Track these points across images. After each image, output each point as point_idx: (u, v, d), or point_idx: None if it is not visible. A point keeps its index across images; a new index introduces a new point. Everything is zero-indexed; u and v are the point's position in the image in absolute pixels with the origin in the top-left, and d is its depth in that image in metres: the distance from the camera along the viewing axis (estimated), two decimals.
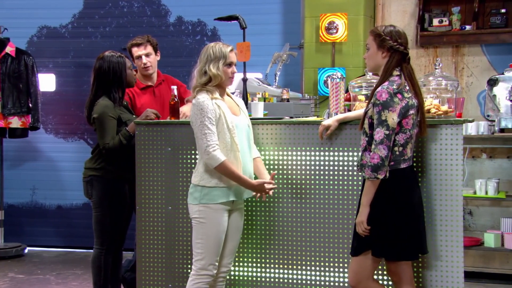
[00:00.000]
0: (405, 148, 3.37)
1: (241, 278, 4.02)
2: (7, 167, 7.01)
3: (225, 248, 3.73)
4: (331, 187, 3.83)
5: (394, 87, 3.34)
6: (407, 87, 3.39)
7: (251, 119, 3.97)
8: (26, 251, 6.78)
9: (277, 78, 5.68)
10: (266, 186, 3.66)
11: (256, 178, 3.77)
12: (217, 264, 3.68)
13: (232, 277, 4.02)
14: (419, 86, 3.48)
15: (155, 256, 4.12)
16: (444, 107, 3.80)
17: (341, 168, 3.82)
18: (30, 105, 6.51)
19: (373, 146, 3.31)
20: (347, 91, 4.16)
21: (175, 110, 4.15)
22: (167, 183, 4.08)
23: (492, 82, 5.74)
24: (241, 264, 4.01)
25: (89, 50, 6.75)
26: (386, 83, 3.38)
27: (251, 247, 3.98)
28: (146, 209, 4.13)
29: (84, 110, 4.38)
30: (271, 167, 3.93)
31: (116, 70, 4.30)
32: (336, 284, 3.84)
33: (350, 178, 3.80)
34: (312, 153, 3.86)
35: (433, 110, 3.74)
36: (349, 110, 3.97)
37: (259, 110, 4.16)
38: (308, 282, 3.89)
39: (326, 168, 3.84)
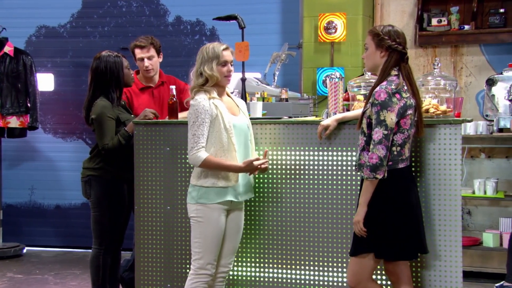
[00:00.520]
0: (403, 148, 3.37)
1: (240, 278, 4.01)
2: (6, 167, 7.01)
3: (224, 248, 3.73)
4: (329, 186, 3.83)
5: (393, 87, 3.34)
6: (405, 87, 3.39)
7: (250, 118, 3.97)
8: (24, 251, 6.77)
9: (275, 77, 5.68)
10: (256, 163, 3.63)
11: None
12: (215, 263, 3.68)
13: (232, 277, 4.02)
14: (417, 86, 3.48)
15: (154, 256, 4.12)
16: (443, 107, 3.80)
17: (340, 168, 3.81)
18: (29, 104, 6.50)
19: (371, 146, 3.31)
20: (345, 90, 4.15)
21: (173, 110, 4.14)
22: (165, 183, 4.08)
23: (491, 82, 5.74)
24: (240, 264, 4.01)
25: (87, 50, 6.74)
26: (385, 83, 3.37)
27: (251, 247, 3.98)
28: (144, 209, 4.13)
29: (82, 111, 4.38)
30: (270, 167, 3.92)
31: (113, 70, 4.30)
32: (336, 284, 3.84)
33: (349, 178, 3.80)
34: (311, 153, 3.86)
35: (431, 110, 3.74)
36: (348, 110, 3.97)
37: (257, 110, 4.16)
38: (308, 282, 3.89)
39: (325, 168, 3.84)
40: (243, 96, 4.29)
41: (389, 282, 3.65)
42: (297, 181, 3.89)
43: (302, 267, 3.90)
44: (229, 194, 3.66)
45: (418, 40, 6.06)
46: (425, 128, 3.53)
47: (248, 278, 4.00)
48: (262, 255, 3.97)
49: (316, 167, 3.85)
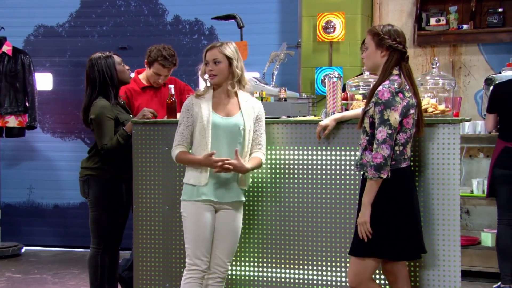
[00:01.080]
0: (405, 147, 3.37)
1: (240, 278, 4.01)
2: (4, 167, 7.00)
3: (218, 247, 3.74)
4: (328, 186, 3.83)
5: (396, 86, 3.34)
6: (407, 86, 3.38)
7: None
8: (23, 250, 6.76)
9: (274, 77, 5.66)
10: (214, 158, 3.62)
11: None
12: (205, 259, 3.70)
13: (232, 277, 4.01)
14: (417, 86, 3.48)
15: (152, 256, 4.12)
16: (441, 107, 3.80)
17: (339, 167, 3.81)
18: (27, 104, 6.49)
19: (375, 146, 3.30)
20: (344, 90, 4.15)
21: (172, 110, 4.14)
22: (164, 183, 4.08)
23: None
24: (240, 264, 4.01)
25: (86, 49, 6.73)
26: (387, 82, 3.36)
27: (250, 247, 3.98)
28: (143, 208, 4.12)
29: (80, 113, 4.37)
30: (269, 167, 3.92)
31: (105, 71, 4.29)
32: (335, 283, 3.84)
33: (348, 177, 3.80)
34: (310, 153, 3.86)
35: (430, 110, 3.73)
36: (347, 109, 3.96)
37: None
38: (308, 282, 3.89)
39: (324, 167, 3.84)
40: None
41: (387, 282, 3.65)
42: (296, 181, 3.89)
43: (302, 267, 3.89)
44: (205, 194, 3.68)
45: (417, 39, 6.06)
46: (424, 128, 3.53)
47: (248, 278, 4.00)
48: (261, 255, 3.96)
49: (315, 167, 3.85)
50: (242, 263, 4.00)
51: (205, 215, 3.69)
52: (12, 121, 6.48)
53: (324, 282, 3.85)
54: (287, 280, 3.92)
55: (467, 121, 3.80)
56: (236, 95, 3.80)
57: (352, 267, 3.45)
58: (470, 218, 6.00)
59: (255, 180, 3.94)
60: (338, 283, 3.83)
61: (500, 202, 5.07)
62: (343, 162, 3.80)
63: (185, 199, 3.74)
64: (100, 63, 4.29)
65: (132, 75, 4.92)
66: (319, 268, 3.86)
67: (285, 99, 4.65)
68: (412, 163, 3.61)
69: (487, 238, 5.58)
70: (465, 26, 5.95)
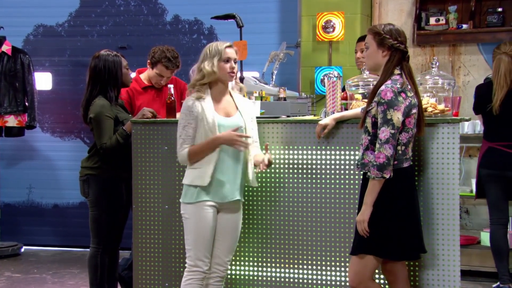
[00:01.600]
0: (407, 147, 3.37)
1: (241, 277, 4.01)
2: (4, 166, 7.00)
3: (218, 247, 3.74)
4: (328, 186, 3.83)
5: (398, 86, 3.33)
6: (409, 86, 3.38)
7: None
8: (22, 250, 6.76)
9: (274, 77, 5.67)
10: (236, 133, 3.61)
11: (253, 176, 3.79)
12: (207, 260, 3.69)
13: (232, 277, 4.01)
14: (417, 85, 3.48)
15: (152, 255, 4.12)
16: (441, 106, 3.80)
17: (338, 167, 3.81)
18: (27, 103, 6.49)
19: (377, 145, 3.30)
20: (343, 89, 4.16)
21: (171, 109, 4.15)
22: (163, 182, 4.08)
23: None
24: (240, 263, 4.01)
25: (85, 49, 6.73)
26: (389, 82, 3.36)
27: (249, 246, 3.98)
28: (142, 208, 4.12)
29: (80, 109, 4.38)
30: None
31: (111, 69, 4.29)
32: (334, 283, 3.84)
33: (348, 177, 3.80)
34: (309, 152, 3.86)
35: (429, 109, 3.73)
36: (346, 109, 3.97)
37: (256, 109, 4.15)
38: (307, 281, 3.89)
39: (324, 167, 3.84)
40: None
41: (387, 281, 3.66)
42: (296, 180, 3.89)
43: (302, 267, 3.90)
44: (208, 194, 3.66)
45: (416, 39, 6.07)
46: (424, 128, 3.53)
47: (247, 277, 4.00)
48: (261, 255, 3.96)
49: (314, 166, 3.85)
50: (243, 263, 4.00)
51: (207, 216, 3.67)
52: (11, 121, 6.48)
53: (324, 282, 3.85)
54: (288, 279, 3.92)
55: (467, 120, 3.80)
56: (230, 95, 3.80)
57: (352, 267, 3.45)
58: (469, 218, 6.01)
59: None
60: (338, 283, 3.83)
61: (489, 202, 5.10)
62: (342, 162, 3.80)
63: (187, 201, 3.69)
64: (108, 60, 4.29)
65: (133, 74, 4.93)
66: (319, 267, 3.86)
67: (285, 99, 4.65)
68: (412, 163, 3.61)
69: (487, 238, 5.57)
70: (464, 26, 5.96)
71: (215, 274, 3.76)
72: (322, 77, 6.05)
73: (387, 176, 3.29)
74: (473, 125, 5.70)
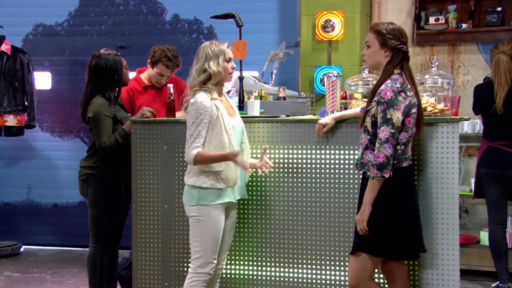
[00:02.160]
0: (406, 146, 3.37)
1: (236, 276, 4.01)
2: (3, 166, 7.00)
3: (220, 246, 3.72)
4: (328, 185, 3.83)
5: (398, 85, 3.33)
6: (409, 86, 3.38)
7: (247, 117, 3.98)
8: (21, 249, 6.76)
9: (273, 76, 5.68)
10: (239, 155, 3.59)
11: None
12: (215, 262, 3.67)
13: (228, 275, 4.01)
14: (417, 85, 3.48)
15: (151, 255, 4.12)
16: (440, 105, 3.80)
17: (338, 166, 3.81)
18: (26, 103, 6.49)
19: (377, 145, 3.30)
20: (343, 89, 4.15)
21: (171, 109, 4.14)
22: (163, 182, 4.08)
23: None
24: (236, 262, 4.01)
25: (85, 48, 6.73)
26: (389, 81, 3.36)
27: (247, 245, 3.98)
28: (142, 207, 4.12)
29: (79, 108, 4.37)
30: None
31: (113, 68, 4.29)
32: (334, 282, 3.84)
33: (347, 176, 3.80)
34: (309, 151, 3.86)
35: (429, 109, 3.74)
36: (346, 108, 3.97)
37: (255, 108, 4.15)
38: (304, 280, 3.89)
39: (323, 166, 3.84)
40: (241, 95, 4.29)
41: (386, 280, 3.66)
42: (295, 180, 3.89)
43: (301, 266, 3.90)
44: (228, 195, 3.66)
45: (416, 38, 6.06)
46: (424, 127, 3.53)
47: (244, 276, 4.00)
48: (260, 254, 3.96)
49: (314, 166, 3.85)
50: (242, 263, 4.00)
51: (222, 218, 3.65)
52: (11, 120, 6.48)
53: (324, 281, 3.85)
54: (287, 279, 3.92)
55: (466, 120, 3.80)
56: (224, 95, 3.81)
57: (352, 266, 3.45)
58: (469, 217, 6.00)
59: (255, 179, 3.94)
60: (338, 282, 3.83)
61: (488, 201, 5.10)
62: (342, 161, 3.80)
63: (204, 203, 3.60)
64: (109, 59, 4.28)
65: (133, 74, 4.93)
66: (319, 267, 3.86)
67: (284, 98, 4.66)
68: (411, 162, 3.61)
69: (486, 237, 5.57)
70: (464, 25, 5.96)
71: (214, 273, 3.75)
72: (321, 77, 6.05)
73: (387, 176, 3.29)
74: (473, 125, 5.70)
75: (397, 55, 3.39)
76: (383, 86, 3.33)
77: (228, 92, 4.57)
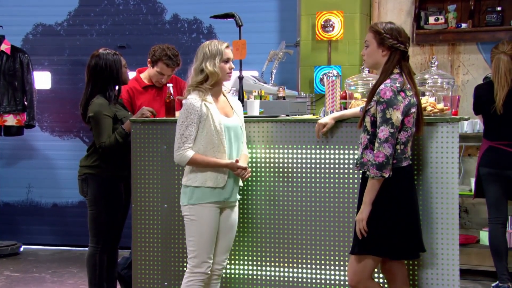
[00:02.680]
0: (406, 146, 3.37)
1: (237, 276, 4.01)
2: (3, 165, 7.00)
3: (218, 246, 3.74)
4: (327, 185, 3.83)
5: (397, 85, 3.33)
6: (409, 86, 3.38)
7: (247, 117, 3.97)
8: (21, 249, 6.76)
9: (273, 76, 5.68)
10: (239, 165, 3.65)
11: None
12: (210, 261, 3.68)
13: (228, 275, 4.02)
14: (417, 85, 3.48)
15: (151, 254, 4.12)
16: (440, 105, 3.80)
17: (337, 166, 3.81)
18: (26, 103, 6.49)
19: (377, 145, 3.30)
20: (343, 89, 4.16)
21: (170, 108, 4.14)
22: (162, 181, 4.08)
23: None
24: (237, 262, 4.01)
25: (84, 48, 6.72)
26: (389, 81, 3.36)
27: (248, 245, 3.98)
28: (141, 207, 4.12)
29: (79, 108, 4.37)
30: (268, 165, 3.92)
31: (112, 67, 4.29)
32: (334, 282, 3.84)
33: (347, 176, 3.80)
34: (309, 151, 3.86)
35: (429, 108, 3.74)
36: (345, 108, 3.97)
37: (255, 108, 4.15)
38: (304, 280, 3.89)
39: (323, 166, 3.84)
40: (240, 94, 4.29)
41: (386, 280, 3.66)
42: (295, 179, 3.89)
43: (299, 265, 3.90)
44: (219, 194, 3.66)
45: (416, 38, 6.06)
46: (424, 127, 3.53)
47: (244, 276, 4.00)
48: (260, 254, 3.96)
49: (314, 165, 3.85)
50: (242, 263, 4.00)
51: (215, 217, 3.66)
52: (10, 120, 6.48)
53: (324, 281, 3.85)
54: (287, 279, 3.93)
55: (466, 119, 3.81)
56: (223, 94, 3.80)
57: (352, 266, 3.45)
58: (468, 217, 6.01)
59: (254, 179, 3.94)
60: (338, 282, 3.83)
61: (489, 201, 5.10)
62: (342, 161, 3.80)
63: (193, 202, 3.64)
64: (109, 58, 4.28)
65: (133, 74, 4.92)
66: (319, 267, 3.86)
67: (284, 98, 4.66)
68: (411, 162, 3.61)
69: (486, 237, 5.57)
70: (463, 25, 5.96)
71: (213, 273, 3.76)
72: (321, 76, 6.05)
73: (386, 175, 3.29)
74: (472, 124, 5.70)
75: (395, 54, 3.40)
76: (382, 86, 3.33)
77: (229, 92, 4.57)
